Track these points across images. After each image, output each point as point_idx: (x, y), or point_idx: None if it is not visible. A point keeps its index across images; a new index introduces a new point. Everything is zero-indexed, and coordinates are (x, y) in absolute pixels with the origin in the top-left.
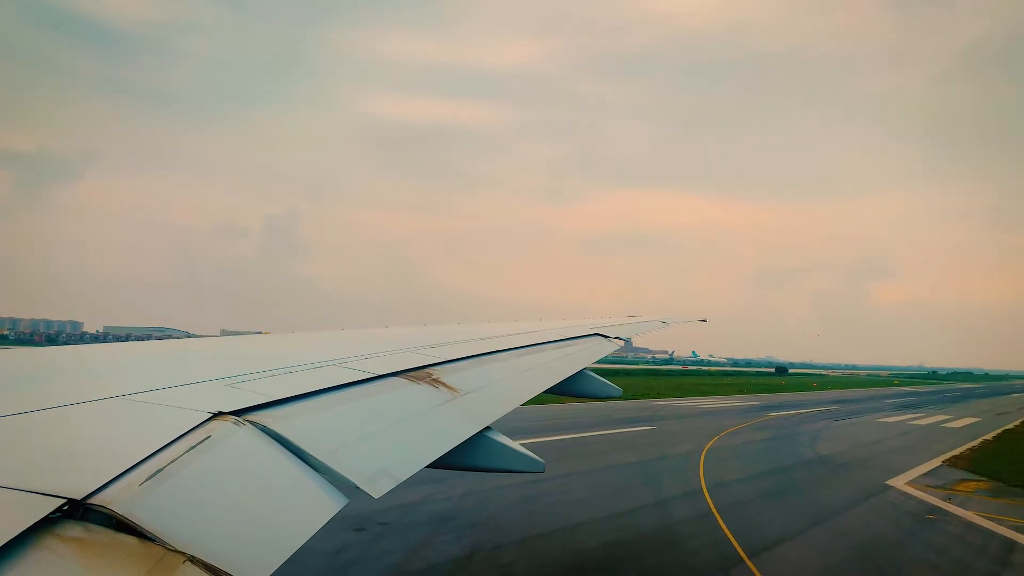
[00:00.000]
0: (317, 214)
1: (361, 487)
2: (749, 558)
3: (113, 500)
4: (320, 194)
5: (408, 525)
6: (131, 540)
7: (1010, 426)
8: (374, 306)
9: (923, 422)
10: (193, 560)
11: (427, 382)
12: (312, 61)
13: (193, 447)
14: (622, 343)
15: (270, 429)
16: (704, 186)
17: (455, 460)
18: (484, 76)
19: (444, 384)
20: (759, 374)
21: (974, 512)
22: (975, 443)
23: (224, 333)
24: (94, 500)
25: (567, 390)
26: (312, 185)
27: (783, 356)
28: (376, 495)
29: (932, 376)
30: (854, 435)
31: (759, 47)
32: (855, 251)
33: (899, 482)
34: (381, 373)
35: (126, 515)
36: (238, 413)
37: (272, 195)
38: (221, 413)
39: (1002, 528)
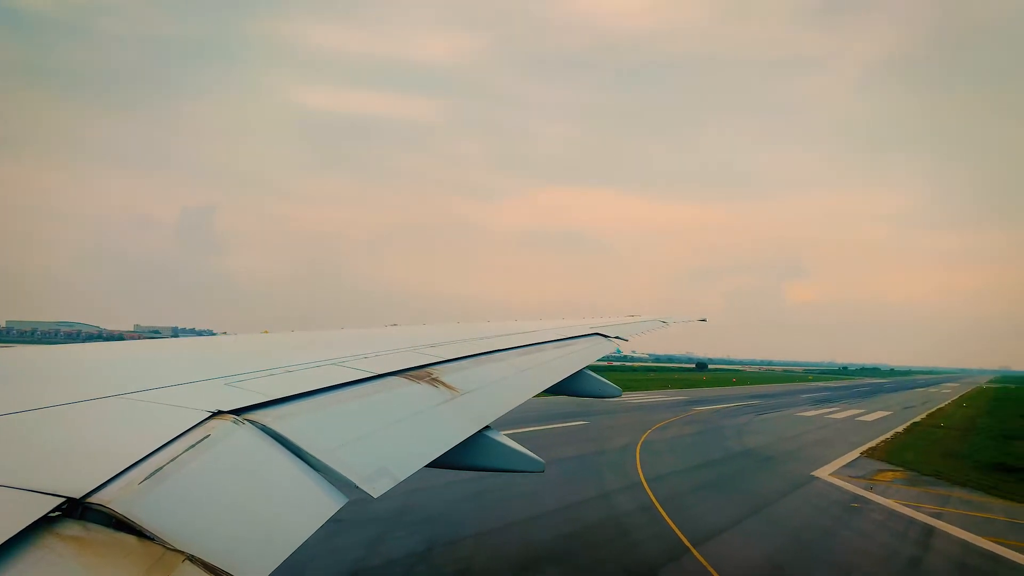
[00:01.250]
0: (238, 206)
1: (360, 486)
2: (695, 547)
3: (112, 499)
4: (241, 186)
5: (362, 521)
6: (130, 539)
7: (917, 419)
8: (296, 301)
9: (839, 416)
10: (192, 559)
11: (426, 381)
12: (234, 49)
13: (192, 446)
14: (623, 343)
15: (269, 428)
16: (631, 185)
17: (454, 459)
18: (415, 70)
19: (443, 383)
20: (680, 369)
21: (894, 500)
22: (888, 435)
23: (138, 328)
24: (93, 499)
25: (567, 389)
26: (232, 177)
27: (701, 352)
28: (375, 494)
29: (843, 371)
30: (777, 429)
31: (686, 50)
32: (772, 251)
33: (823, 473)
34: (380, 372)
35: (125, 514)
36: (237, 412)
37: (190, 186)
38: (220, 412)
39: (920, 515)
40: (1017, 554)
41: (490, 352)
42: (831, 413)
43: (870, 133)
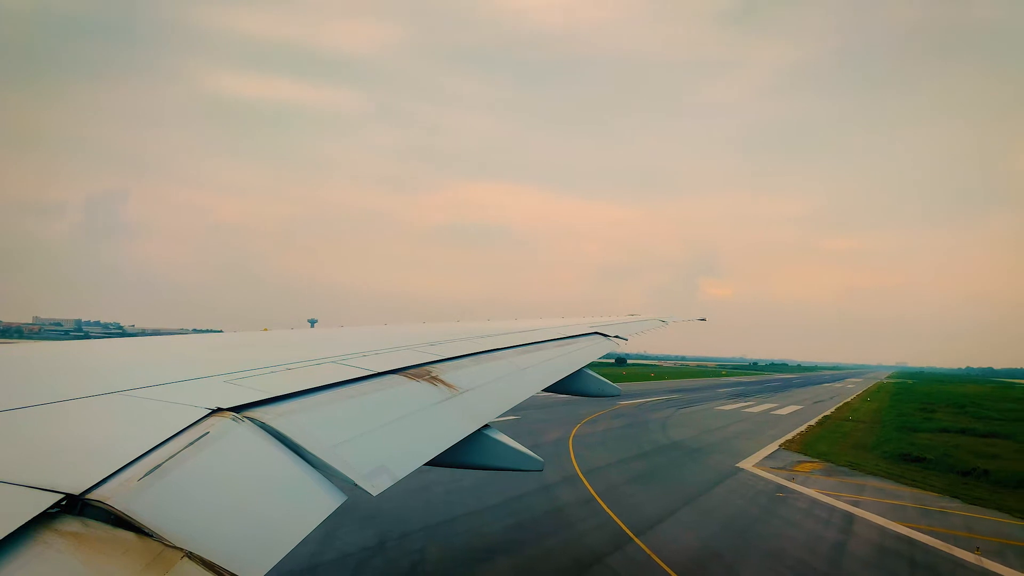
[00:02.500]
0: (141, 194)
1: (359, 484)
2: (637, 536)
3: (111, 495)
4: (143, 173)
5: None
6: (129, 535)
7: (828, 412)
8: (202, 293)
9: (755, 410)
10: (191, 556)
11: (426, 380)
12: (140, 26)
13: (192, 443)
14: (623, 342)
15: (269, 425)
16: (552, 182)
17: (453, 458)
18: (332, 59)
19: (443, 382)
20: (600, 364)
21: (815, 490)
22: (802, 428)
23: (37, 320)
24: (92, 495)
25: (566, 388)
26: (141, 163)
27: (619, 348)
28: (374, 492)
29: (753, 367)
30: (699, 422)
31: (605, 49)
32: (688, 249)
33: (747, 464)
34: (380, 370)
35: (124, 510)
36: (237, 409)
37: (93, 172)
38: (220, 409)
39: (840, 503)
40: (928, 537)
41: (490, 351)
42: (747, 407)
43: (780, 137)
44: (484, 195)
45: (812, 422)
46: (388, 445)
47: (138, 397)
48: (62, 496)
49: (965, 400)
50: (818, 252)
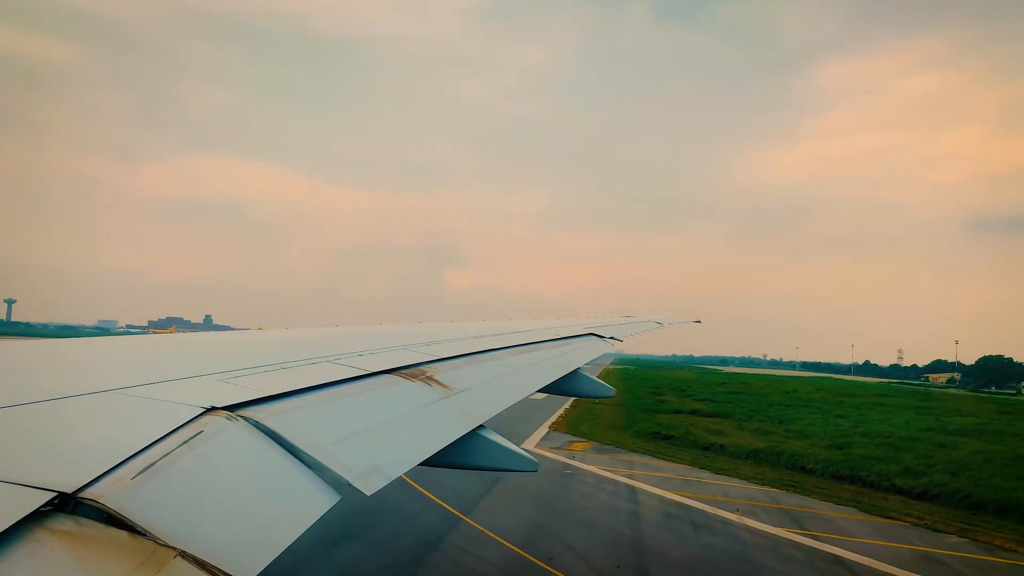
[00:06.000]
0: None
1: (353, 484)
2: (465, 515)
3: (104, 494)
4: None
5: None
6: (122, 534)
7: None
8: None
9: None
10: (184, 555)
11: (421, 380)
12: None
13: (186, 442)
14: (618, 343)
15: (263, 425)
16: (291, 161)
17: (448, 458)
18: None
19: (437, 382)
20: None
21: (595, 466)
22: (561, 412)
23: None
24: (85, 494)
25: (561, 389)
26: None
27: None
28: (368, 492)
29: None
30: None
31: (364, 29)
32: (432, 240)
33: (529, 445)
34: (375, 370)
35: (117, 509)
36: (231, 408)
37: None
38: (214, 408)
39: (619, 477)
40: (697, 503)
41: (485, 351)
42: None
43: (520, 137)
44: (215, 170)
45: (567, 405)
46: (382, 445)
47: (131, 395)
48: (55, 494)
49: (683, 385)
50: (552, 247)
